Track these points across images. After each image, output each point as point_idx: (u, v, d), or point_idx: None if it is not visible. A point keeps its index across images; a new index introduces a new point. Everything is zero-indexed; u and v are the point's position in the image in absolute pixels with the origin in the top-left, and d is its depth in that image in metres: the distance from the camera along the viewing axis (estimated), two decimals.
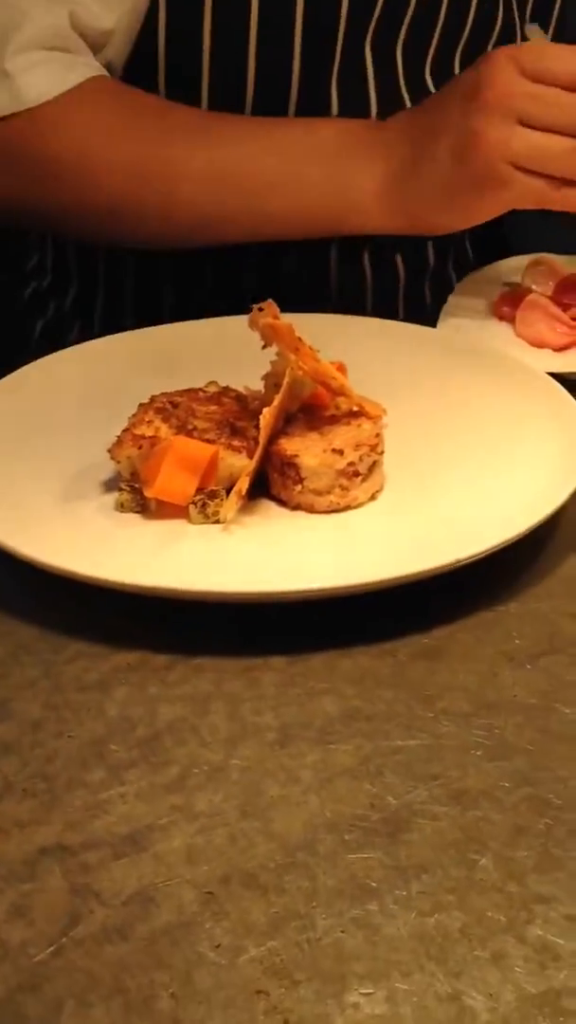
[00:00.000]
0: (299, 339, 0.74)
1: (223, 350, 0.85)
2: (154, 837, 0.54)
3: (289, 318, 0.76)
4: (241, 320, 0.76)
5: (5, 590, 0.70)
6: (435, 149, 0.86)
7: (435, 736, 0.60)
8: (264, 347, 0.77)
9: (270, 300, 0.75)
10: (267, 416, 0.72)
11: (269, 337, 0.76)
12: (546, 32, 1.00)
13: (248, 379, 0.80)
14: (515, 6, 1.06)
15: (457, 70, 1.03)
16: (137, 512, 0.73)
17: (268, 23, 0.93)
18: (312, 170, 0.90)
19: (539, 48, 0.84)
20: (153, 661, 0.65)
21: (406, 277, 1.07)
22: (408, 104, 1.00)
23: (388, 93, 0.99)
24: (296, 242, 1.00)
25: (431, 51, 1.01)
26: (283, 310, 0.74)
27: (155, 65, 0.95)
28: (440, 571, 0.66)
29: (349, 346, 0.86)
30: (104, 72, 0.94)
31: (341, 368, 0.82)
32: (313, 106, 0.96)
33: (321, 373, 0.76)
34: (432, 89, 1.02)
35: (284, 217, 0.92)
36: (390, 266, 1.06)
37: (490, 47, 1.04)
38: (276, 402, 0.73)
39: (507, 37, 1.05)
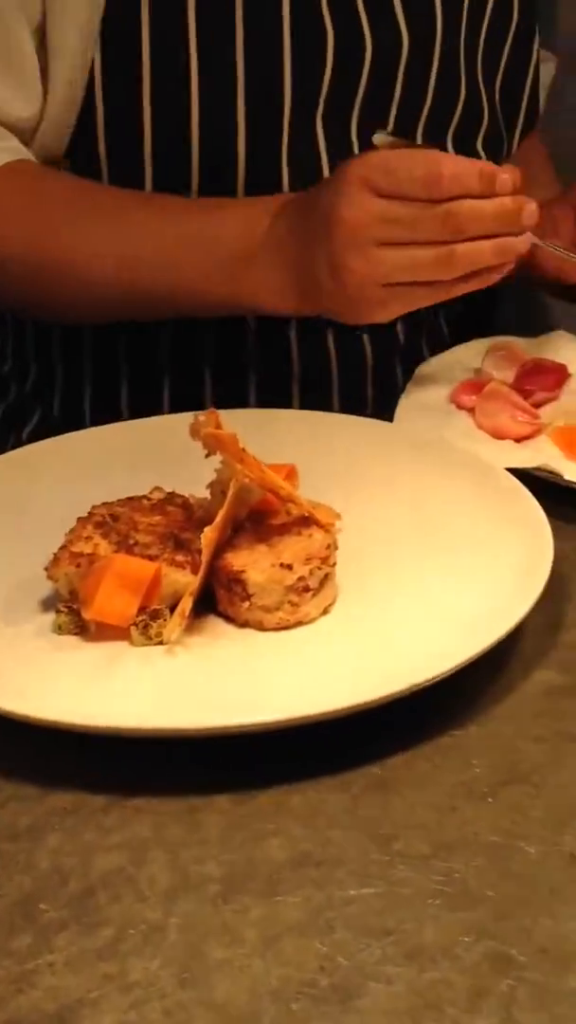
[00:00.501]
0: (243, 450, 0.71)
1: (170, 451, 0.81)
2: (83, 1013, 0.50)
3: (234, 415, 0.73)
4: (188, 418, 0.73)
5: None
6: (317, 260, 0.83)
7: (390, 883, 0.55)
8: (207, 456, 0.73)
9: (212, 408, 0.72)
10: (209, 534, 0.68)
11: (212, 446, 0.72)
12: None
13: (200, 478, 0.76)
14: (481, 80, 1.03)
15: (420, 141, 1.01)
16: (76, 634, 0.69)
17: (211, 109, 0.91)
18: (211, 265, 0.88)
19: (387, 162, 0.79)
20: (90, 803, 0.60)
21: (374, 357, 1.05)
22: None
23: None
24: (255, 325, 0.98)
25: (389, 127, 0.99)
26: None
27: (96, 151, 0.93)
28: (396, 697, 0.62)
29: (301, 443, 0.83)
30: (26, 156, 0.94)
31: (291, 472, 0.79)
32: (263, 185, 0.93)
33: (268, 483, 0.72)
34: None
35: (187, 303, 0.91)
36: (356, 344, 1.04)
37: (454, 121, 1.01)
38: (219, 518, 0.70)
39: (473, 112, 1.03)
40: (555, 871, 0.56)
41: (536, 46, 1.09)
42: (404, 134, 0.98)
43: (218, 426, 0.72)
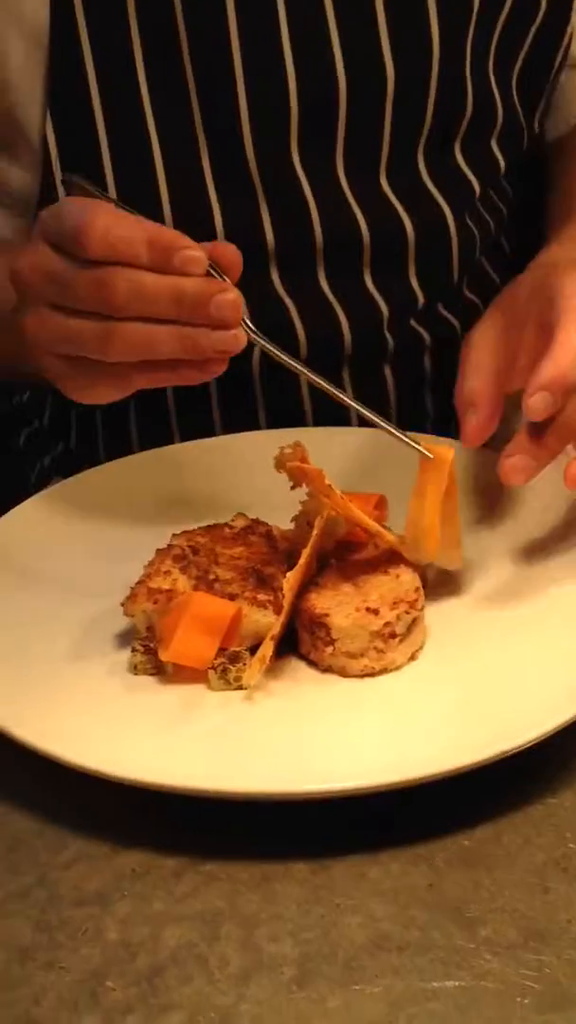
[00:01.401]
0: (329, 486, 0.67)
1: (245, 470, 0.78)
2: None
3: (321, 433, 0.68)
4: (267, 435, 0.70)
5: (4, 769, 0.63)
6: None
7: (476, 975, 0.52)
8: (293, 488, 0.70)
9: (298, 441, 0.69)
10: (292, 579, 0.65)
11: (298, 479, 0.69)
12: None
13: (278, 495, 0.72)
14: (494, 80, 0.90)
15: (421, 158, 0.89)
16: (152, 674, 0.67)
17: (175, 159, 0.82)
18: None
19: (59, 208, 0.64)
20: (160, 867, 0.58)
21: (396, 389, 0.94)
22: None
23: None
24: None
25: (384, 157, 0.87)
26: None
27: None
28: (486, 763, 0.58)
29: (383, 467, 0.78)
30: None
31: (381, 502, 0.75)
32: (242, 229, 0.84)
33: (356, 518, 0.69)
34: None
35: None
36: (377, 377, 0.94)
37: (461, 131, 0.88)
38: (303, 558, 0.66)
39: (485, 115, 0.89)
40: None
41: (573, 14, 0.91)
42: (373, 160, 0.86)
43: (304, 459, 0.68)
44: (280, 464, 0.69)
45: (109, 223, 0.62)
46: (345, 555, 0.71)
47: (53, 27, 0.79)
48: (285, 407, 0.90)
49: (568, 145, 0.97)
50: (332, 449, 0.77)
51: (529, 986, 0.52)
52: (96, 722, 0.63)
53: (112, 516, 0.78)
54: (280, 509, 0.73)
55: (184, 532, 0.73)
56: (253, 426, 0.89)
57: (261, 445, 0.75)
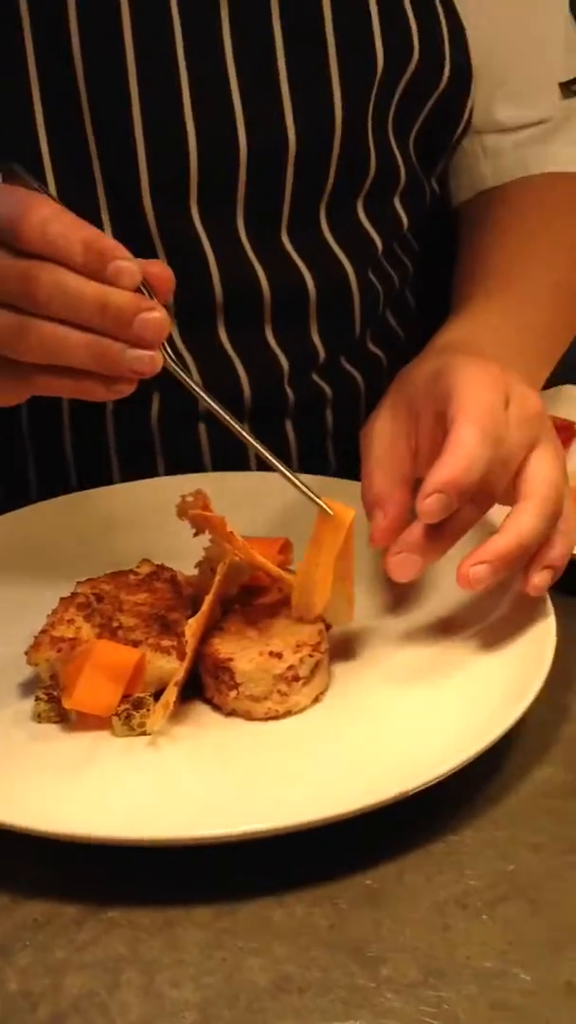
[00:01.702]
0: (231, 533, 0.68)
1: (154, 515, 0.78)
2: None
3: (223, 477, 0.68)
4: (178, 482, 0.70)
5: None
6: None
7: (377, 1014, 0.52)
8: (196, 535, 0.70)
9: (199, 489, 0.69)
10: (194, 625, 0.65)
11: (200, 526, 0.70)
12: None
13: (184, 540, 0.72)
14: (394, 141, 0.90)
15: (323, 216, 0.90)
16: (56, 722, 0.66)
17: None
18: None
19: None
20: (62, 915, 0.58)
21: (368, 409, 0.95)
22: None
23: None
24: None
25: (284, 217, 0.88)
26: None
27: None
28: (389, 803, 0.59)
29: (293, 510, 0.78)
30: None
31: (285, 546, 0.75)
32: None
33: (258, 563, 0.69)
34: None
35: None
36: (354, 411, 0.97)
37: (364, 189, 0.89)
38: (206, 604, 0.67)
39: (387, 174, 0.90)
40: (551, 1001, 0.53)
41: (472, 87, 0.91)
42: (274, 218, 0.85)
43: (206, 506, 0.69)
44: (182, 512, 0.69)
45: (48, 217, 0.60)
46: (249, 600, 0.72)
47: None
48: (185, 454, 0.90)
49: (472, 214, 0.97)
50: (235, 494, 0.77)
51: (429, 1023, 0.52)
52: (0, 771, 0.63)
53: (15, 565, 0.78)
54: (187, 554, 0.73)
55: (89, 580, 0.73)
56: (152, 473, 0.89)
57: (164, 490, 0.75)
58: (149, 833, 0.58)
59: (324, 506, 0.68)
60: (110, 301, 0.60)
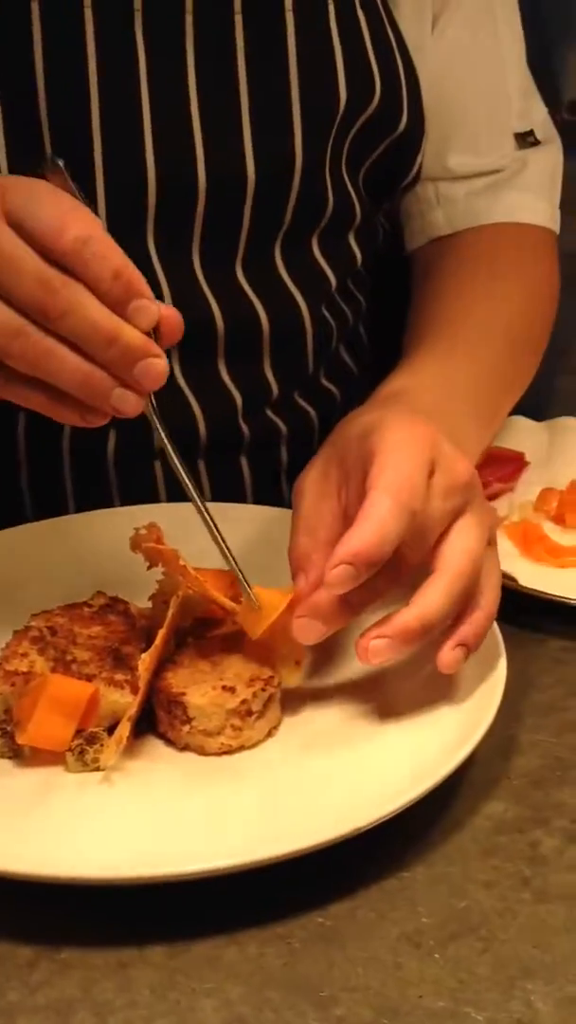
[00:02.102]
0: (184, 566, 0.68)
1: (108, 545, 0.78)
2: None
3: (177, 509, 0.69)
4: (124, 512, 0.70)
5: None
6: None
7: None
8: (149, 568, 0.70)
9: (153, 522, 0.69)
10: (147, 659, 0.66)
11: (154, 559, 0.70)
12: None
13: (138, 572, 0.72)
14: (348, 179, 0.91)
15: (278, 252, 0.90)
16: (10, 758, 0.66)
17: None
18: None
19: (33, 194, 0.60)
20: (15, 956, 0.57)
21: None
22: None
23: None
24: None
25: (240, 250, 0.88)
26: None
27: None
28: (343, 839, 0.59)
29: (251, 541, 0.79)
30: None
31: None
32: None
33: (211, 598, 0.69)
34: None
35: None
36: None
37: (321, 225, 0.90)
38: (159, 639, 0.67)
39: (343, 212, 0.91)
40: None
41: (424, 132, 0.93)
42: (230, 252, 0.86)
43: (159, 540, 0.69)
44: (135, 545, 0.70)
45: (92, 234, 0.59)
46: (203, 632, 0.72)
47: None
48: (140, 488, 0.90)
49: (425, 260, 0.97)
50: (189, 526, 0.77)
51: None
52: None
53: None
54: (141, 586, 0.73)
55: (43, 612, 0.73)
56: (108, 506, 0.89)
57: (118, 521, 0.76)
58: (100, 873, 0.58)
59: (252, 596, 0.67)
60: (122, 337, 0.60)
